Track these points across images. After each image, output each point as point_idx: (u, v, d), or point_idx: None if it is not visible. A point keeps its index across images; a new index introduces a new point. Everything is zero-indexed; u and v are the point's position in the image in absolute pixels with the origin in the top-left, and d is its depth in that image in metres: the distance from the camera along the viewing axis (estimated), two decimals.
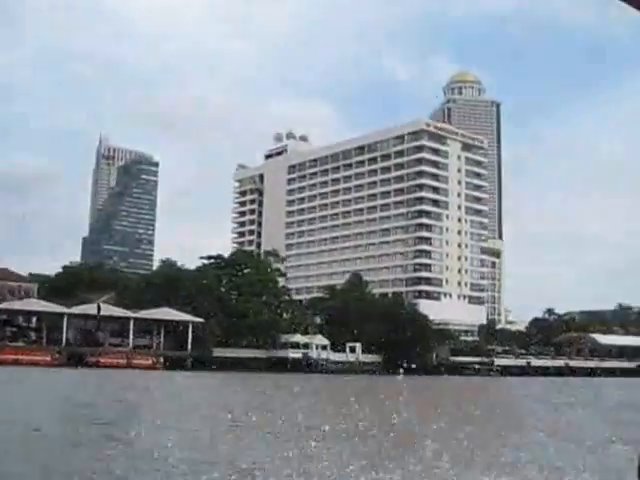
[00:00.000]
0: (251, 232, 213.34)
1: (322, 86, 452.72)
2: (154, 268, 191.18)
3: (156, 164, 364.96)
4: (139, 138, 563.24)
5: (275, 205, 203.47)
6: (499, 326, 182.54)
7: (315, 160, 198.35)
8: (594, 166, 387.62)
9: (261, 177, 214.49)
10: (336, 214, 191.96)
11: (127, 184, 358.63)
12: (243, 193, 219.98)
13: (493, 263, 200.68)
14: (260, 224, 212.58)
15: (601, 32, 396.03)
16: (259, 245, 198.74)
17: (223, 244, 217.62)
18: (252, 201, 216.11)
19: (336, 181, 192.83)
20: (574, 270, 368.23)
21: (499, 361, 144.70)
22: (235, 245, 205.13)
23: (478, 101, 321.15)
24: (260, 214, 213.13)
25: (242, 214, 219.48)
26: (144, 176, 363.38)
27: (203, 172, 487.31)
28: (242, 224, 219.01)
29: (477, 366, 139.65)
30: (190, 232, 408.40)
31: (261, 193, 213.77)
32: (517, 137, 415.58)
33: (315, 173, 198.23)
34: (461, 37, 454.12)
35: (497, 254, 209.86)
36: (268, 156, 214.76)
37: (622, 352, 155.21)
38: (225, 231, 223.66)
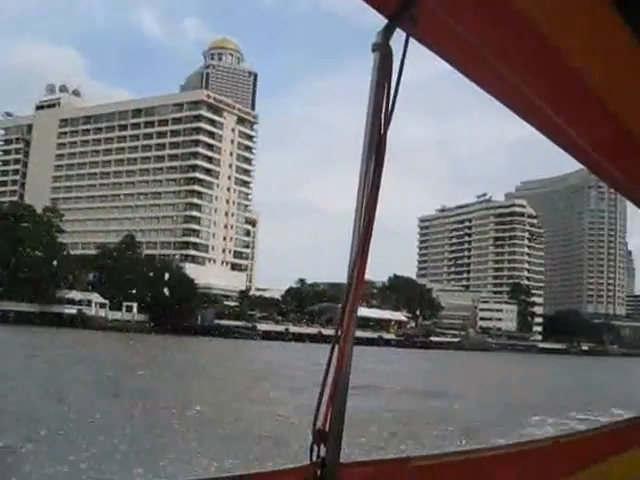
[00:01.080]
0: (14, 182, 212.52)
1: (72, 36, 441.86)
2: None
3: None
4: None
5: (43, 158, 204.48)
6: (251, 292, 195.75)
7: (90, 117, 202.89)
8: (337, 139, 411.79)
9: (29, 128, 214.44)
10: (107, 173, 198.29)
11: None
12: (8, 142, 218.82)
13: (248, 232, 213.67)
14: (25, 175, 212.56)
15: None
16: (22, 196, 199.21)
17: None
18: (17, 150, 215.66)
19: (110, 140, 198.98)
20: (319, 241, 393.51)
21: (261, 326, 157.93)
22: None
23: (236, 69, 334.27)
24: (25, 165, 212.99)
25: (5, 163, 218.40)
26: None
27: None
28: (4, 173, 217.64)
29: (241, 330, 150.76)
30: None
31: (28, 144, 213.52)
32: (268, 108, 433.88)
33: (88, 130, 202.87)
34: (219, 3, 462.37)
35: (253, 223, 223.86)
36: (39, 107, 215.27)
37: (366, 323, 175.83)
38: None
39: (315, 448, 2.59)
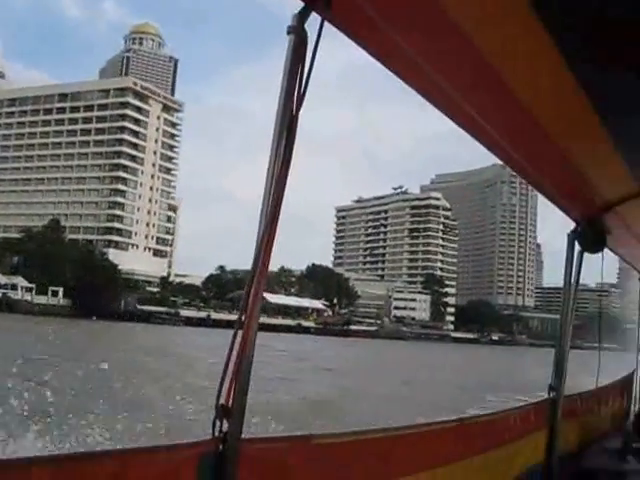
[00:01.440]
0: None
1: None
2: None
3: None
4: None
5: None
6: (171, 279, 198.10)
7: (14, 99, 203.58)
8: (258, 127, 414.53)
9: None
10: (32, 156, 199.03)
11: None
12: None
13: (169, 218, 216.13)
14: None
15: None
16: None
17: None
18: None
19: (35, 124, 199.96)
20: (238, 228, 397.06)
21: (184, 312, 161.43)
22: None
23: (157, 55, 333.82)
24: None
25: None
26: None
27: None
28: None
29: (164, 316, 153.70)
30: None
31: None
32: (190, 94, 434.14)
33: (13, 112, 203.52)
34: None
35: (174, 209, 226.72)
36: None
37: (285, 310, 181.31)
38: None
39: (218, 423, 2.73)
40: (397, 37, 3.05)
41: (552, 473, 6.37)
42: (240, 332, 2.73)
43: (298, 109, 2.80)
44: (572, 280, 6.96)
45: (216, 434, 2.71)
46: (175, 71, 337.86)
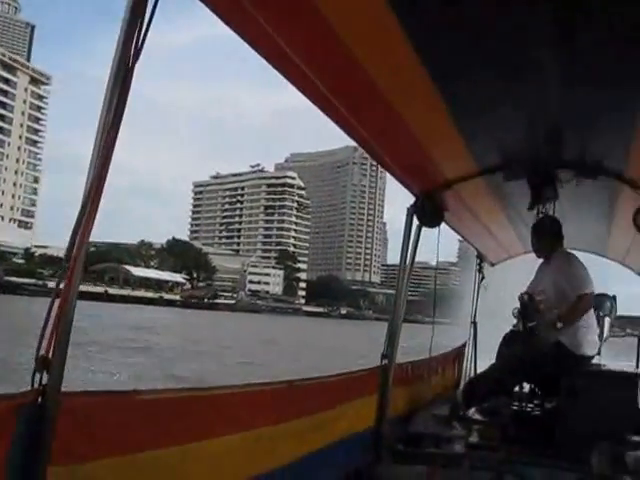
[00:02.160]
0: None
1: None
2: None
3: None
4: None
5: None
6: (32, 250, 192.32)
7: None
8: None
9: None
10: None
11: None
12: None
13: (33, 189, 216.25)
14: None
15: None
16: None
17: None
18: None
19: None
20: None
21: (51, 284, 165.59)
22: None
23: (12, 20, 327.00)
24: None
25: None
26: None
27: None
28: None
29: (32, 287, 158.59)
30: None
31: None
32: (44, 63, 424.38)
33: None
34: None
35: (36, 180, 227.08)
36: None
37: (146, 283, 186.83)
38: None
39: (37, 375, 2.58)
40: (251, 7, 3.04)
41: (381, 437, 6.61)
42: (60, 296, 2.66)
43: (134, 62, 2.70)
44: (408, 254, 6.90)
45: (35, 386, 2.62)
46: (32, 38, 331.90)
